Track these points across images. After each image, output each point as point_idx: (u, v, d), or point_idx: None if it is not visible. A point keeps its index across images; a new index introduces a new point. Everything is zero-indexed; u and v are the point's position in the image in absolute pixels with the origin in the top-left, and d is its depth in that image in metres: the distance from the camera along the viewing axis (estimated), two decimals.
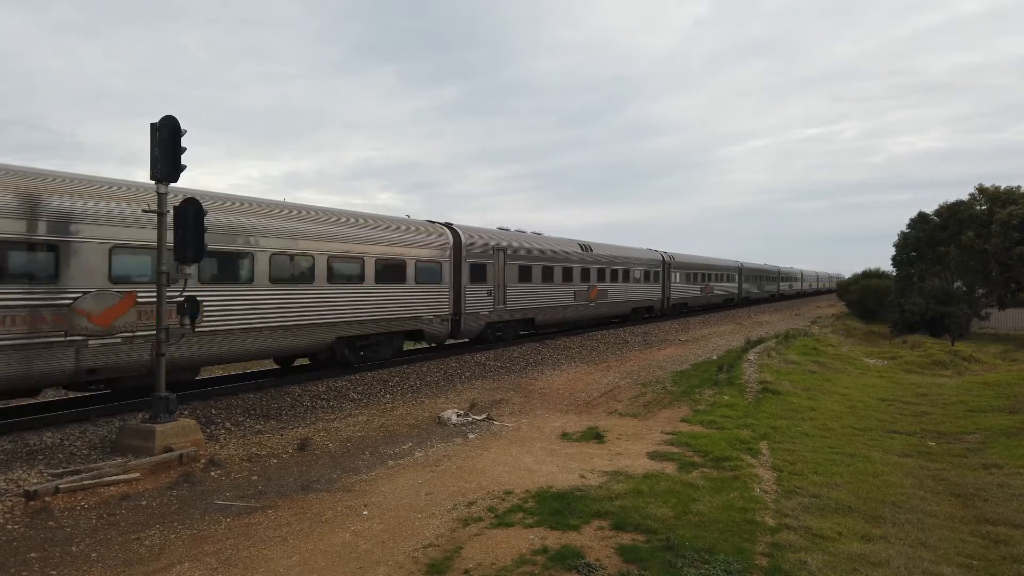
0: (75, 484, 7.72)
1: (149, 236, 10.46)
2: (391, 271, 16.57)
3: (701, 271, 43.95)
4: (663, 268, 36.88)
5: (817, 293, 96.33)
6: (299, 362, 16.46)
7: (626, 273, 31.80)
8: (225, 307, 12.53)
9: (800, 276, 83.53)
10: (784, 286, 72.69)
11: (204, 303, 11.78)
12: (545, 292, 24.48)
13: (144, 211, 9.97)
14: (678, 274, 39.25)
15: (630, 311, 32.86)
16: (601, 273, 29.02)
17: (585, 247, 28.37)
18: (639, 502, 7.35)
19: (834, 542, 6.40)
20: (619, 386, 16.02)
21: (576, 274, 26.74)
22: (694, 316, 41.28)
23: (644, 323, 33.19)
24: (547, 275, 24.51)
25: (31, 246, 9.71)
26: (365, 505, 7.38)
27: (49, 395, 13.04)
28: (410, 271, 17.17)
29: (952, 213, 41.28)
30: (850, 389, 16.41)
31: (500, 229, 23.59)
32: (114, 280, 10.63)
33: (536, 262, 23.77)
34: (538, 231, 24.77)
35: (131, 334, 10.81)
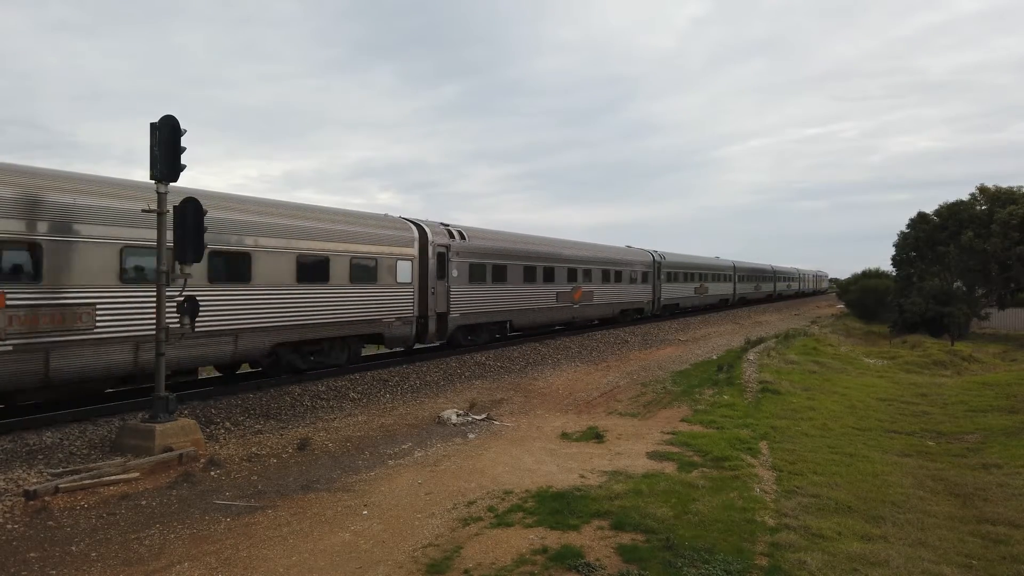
0: (75, 484, 7.72)
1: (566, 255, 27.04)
2: (640, 276, 34.02)
3: (753, 274, 59.68)
4: (733, 272, 53.14)
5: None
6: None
7: (716, 276, 48.44)
8: (598, 293, 28.89)
9: (815, 277, 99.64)
10: (804, 285, 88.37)
11: (596, 292, 28.69)
12: (683, 288, 41.02)
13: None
14: (739, 276, 55.01)
15: (717, 301, 49.22)
16: (704, 276, 45.24)
17: (696, 259, 44.81)
18: (639, 502, 7.35)
19: (834, 542, 6.41)
20: (619, 386, 16.02)
21: (694, 277, 42.89)
22: (694, 316, 42.05)
23: (643, 323, 34.69)
24: (683, 278, 40.97)
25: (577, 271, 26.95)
26: (365, 505, 7.38)
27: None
28: (651, 275, 35.33)
29: (952, 213, 41.24)
30: (850, 389, 16.42)
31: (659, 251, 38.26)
32: (568, 281, 26.13)
33: (680, 269, 40.37)
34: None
35: (580, 305, 26.90)
